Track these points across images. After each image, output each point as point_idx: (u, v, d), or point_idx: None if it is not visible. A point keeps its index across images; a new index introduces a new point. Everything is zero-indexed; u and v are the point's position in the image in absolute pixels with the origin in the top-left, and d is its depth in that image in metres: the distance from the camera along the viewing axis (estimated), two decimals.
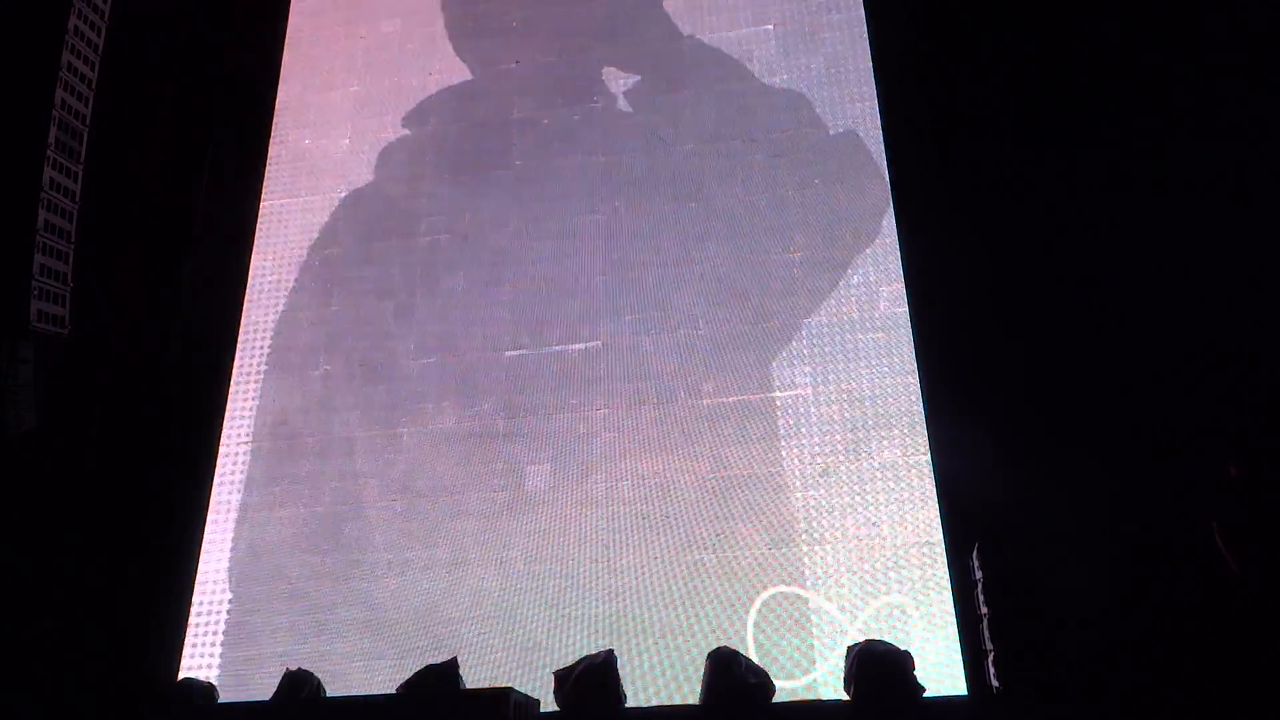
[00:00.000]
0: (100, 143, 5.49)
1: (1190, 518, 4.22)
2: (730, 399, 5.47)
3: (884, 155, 5.78)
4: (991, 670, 4.32)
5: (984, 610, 4.43)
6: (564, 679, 4.29)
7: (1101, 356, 4.76)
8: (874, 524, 5.04)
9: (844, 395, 5.36)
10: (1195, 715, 3.88)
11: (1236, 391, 4.46)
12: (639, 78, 6.46)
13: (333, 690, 4.67)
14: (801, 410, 5.37)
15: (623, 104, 6.41)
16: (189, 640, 5.41)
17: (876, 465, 5.16)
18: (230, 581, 5.57)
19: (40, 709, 4.91)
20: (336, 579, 5.45)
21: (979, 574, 4.51)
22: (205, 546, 5.63)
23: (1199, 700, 3.91)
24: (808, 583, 4.98)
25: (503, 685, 4.37)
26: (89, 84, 5.40)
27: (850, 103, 6.03)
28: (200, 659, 5.37)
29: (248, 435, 5.94)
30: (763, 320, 5.62)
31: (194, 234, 6.29)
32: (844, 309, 5.55)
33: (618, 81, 6.48)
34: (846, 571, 4.96)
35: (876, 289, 5.55)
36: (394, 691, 4.37)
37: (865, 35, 6.13)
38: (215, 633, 5.44)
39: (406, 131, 6.64)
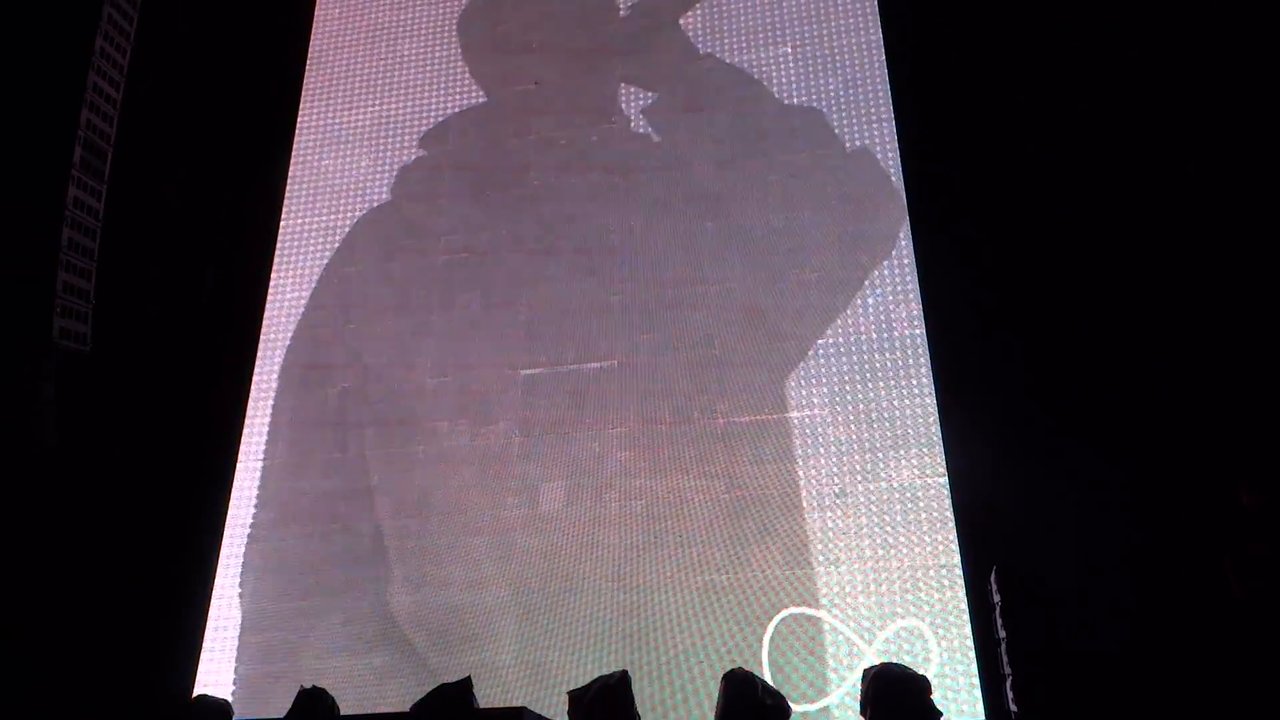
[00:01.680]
0: (124, 162, 5.56)
1: (1211, 543, 4.18)
2: (745, 419, 5.46)
3: (901, 176, 5.79)
4: (1010, 695, 4.28)
5: (1002, 634, 4.40)
6: (578, 699, 4.27)
7: (1122, 377, 4.72)
8: (890, 546, 5.00)
9: (860, 416, 5.34)
10: None
11: (1261, 413, 4.41)
12: (656, 98, 6.50)
13: (347, 709, 4.66)
14: (817, 431, 5.35)
15: (640, 124, 6.44)
16: (204, 657, 5.41)
17: (893, 487, 5.13)
18: (246, 598, 5.58)
19: None
20: (352, 596, 5.46)
21: (997, 597, 4.47)
22: (221, 562, 5.65)
23: None
24: (823, 605, 4.95)
25: (516, 705, 4.35)
26: (114, 104, 5.47)
27: (867, 124, 6.04)
28: (215, 676, 5.38)
29: (264, 452, 5.97)
30: (778, 340, 5.61)
31: (215, 252, 6.36)
32: (860, 329, 5.53)
33: (635, 102, 6.51)
34: (862, 593, 4.93)
35: (893, 310, 5.54)
36: (408, 710, 4.37)
37: (883, 57, 6.15)
38: (230, 650, 5.45)
39: (425, 151, 6.70)
